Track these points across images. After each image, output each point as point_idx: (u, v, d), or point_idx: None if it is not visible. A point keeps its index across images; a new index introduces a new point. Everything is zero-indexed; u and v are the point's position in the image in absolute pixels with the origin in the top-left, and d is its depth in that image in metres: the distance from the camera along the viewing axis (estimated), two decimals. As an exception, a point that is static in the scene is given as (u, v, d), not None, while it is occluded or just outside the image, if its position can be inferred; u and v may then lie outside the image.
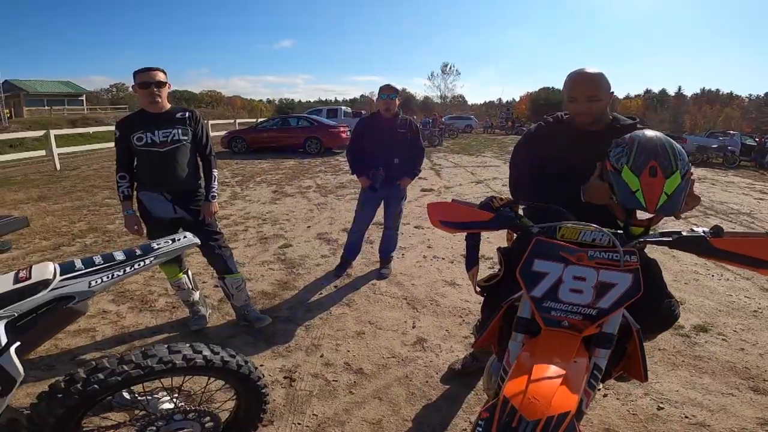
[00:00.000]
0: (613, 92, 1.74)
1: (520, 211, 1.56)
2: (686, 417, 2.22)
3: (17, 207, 6.75)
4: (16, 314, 1.21)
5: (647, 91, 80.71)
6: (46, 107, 38.10)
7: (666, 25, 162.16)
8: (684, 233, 1.26)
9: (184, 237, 1.61)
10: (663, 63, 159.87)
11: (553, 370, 1.10)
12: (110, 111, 41.46)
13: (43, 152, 11.79)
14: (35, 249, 4.73)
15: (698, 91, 78.34)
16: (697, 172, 1.88)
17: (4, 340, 1.16)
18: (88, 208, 6.61)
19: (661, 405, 2.31)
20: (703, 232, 1.24)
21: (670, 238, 1.26)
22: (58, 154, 11.58)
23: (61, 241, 4.98)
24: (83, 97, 46.73)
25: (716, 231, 1.22)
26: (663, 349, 2.85)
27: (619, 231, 1.32)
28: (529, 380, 1.07)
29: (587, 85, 1.67)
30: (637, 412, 2.25)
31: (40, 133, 12.24)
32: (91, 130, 16.32)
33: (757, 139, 18.20)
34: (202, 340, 2.80)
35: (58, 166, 11.09)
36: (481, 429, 1.05)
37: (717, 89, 77.87)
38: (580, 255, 1.27)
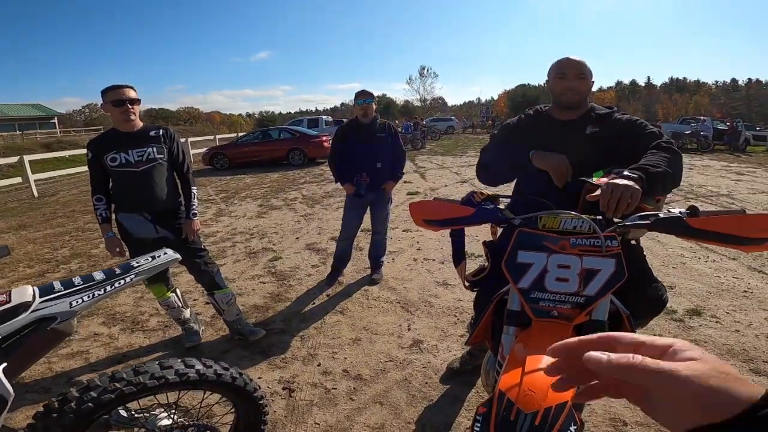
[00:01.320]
0: (593, 81, 1.81)
1: (502, 205, 1.58)
2: (692, 402, 2.24)
3: (-3, 237, 6.59)
4: None
5: (618, 83, 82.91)
6: (18, 132, 37.09)
7: (631, 18, 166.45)
8: (661, 215, 1.27)
9: (165, 254, 1.61)
10: (631, 55, 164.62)
11: (547, 360, 1.09)
12: (84, 133, 40.68)
13: (19, 179, 11.48)
14: (20, 277, 4.62)
15: (667, 81, 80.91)
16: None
17: None
18: (71, 234, 6.48)
19: None
20: (680, 212, 1.24)
21: (649, 221, 1.27)
22: (35, 180, 11.30)
23: (46, 268, 4.88)
24: (55, 120, 45.70)
25: (692, 211, 1.23)
26: (658, 334, 2.86)
27: (598, 217, 1.33)
28: (523, 372, 1.06)
29: (576, 64, 1.76)
30: (641, 400, 2.26)
31: (14, 159, 11.92)
32: (66, 153, 15.90)
33: (728, 124, 18.73)
34: (196, 356, 2.78)
35: (35, 193, 10.82)
36: (479, 425, 1.04)
37: (684, 77, 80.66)
38: (563, 243, 1.27)
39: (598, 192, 1.28)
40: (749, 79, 70.92)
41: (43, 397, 2.47)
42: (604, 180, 1.43)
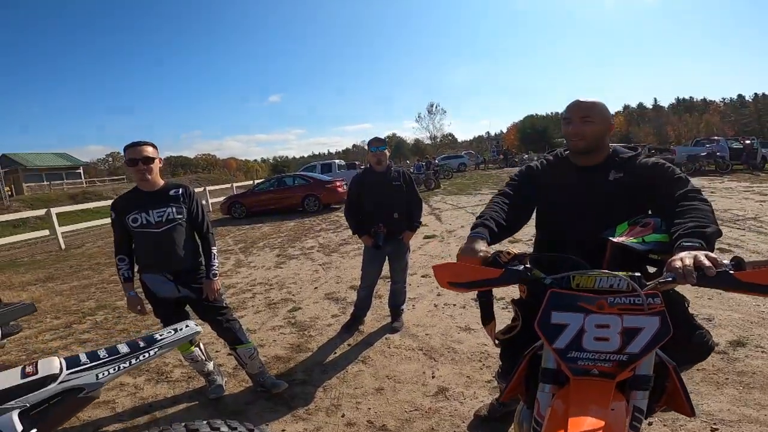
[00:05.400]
0: (612, 123, 1.76)
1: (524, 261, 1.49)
2: (747, 435, 2.12)
3: (25, 289, 6.78)
4: (28, 405, 1.31)
5: (626, 107, 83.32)
6: (45, 182, 38.48)
7: (633, 40, 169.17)
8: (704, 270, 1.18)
9: (186, 326, 1.70)
10: (636, 77, 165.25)
11: (591, 421, 1.05)
12: (108, 183, 42.13)
13: (47, 232, 11.90)
14: (47, 328, 4.74)
15: (674, 101, 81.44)
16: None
17: (20, 428, 1.26)
18: (96, 286, 6.63)
19: (714, 426, 2.22)
20: (725, 266, 1.16)
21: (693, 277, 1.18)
22: (62, 233, 11.70)
23: (72, 320, 4.99)
24: (80, 170, 47.37)
25: (738, 263, 1.16)
26: (702, 369, 2.75)
27: (636, 274, 1.26)
28: None
29: (580, 107, 1.71)
30: (691, 437, 2.15)
31: (42, 211, 12.37)
32: (92, 205, 16.45)
33: (742, 142, 18.40)
34: (221, 408, 2.83)
35: (62, 245, 11.17)
36: None
37: (691, 97, 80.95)
38: (600, 303, 1.22)
39: (669, 277, 1.19)
40: (755, 94, 70.81)
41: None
42: (623, 240, 1.41)
